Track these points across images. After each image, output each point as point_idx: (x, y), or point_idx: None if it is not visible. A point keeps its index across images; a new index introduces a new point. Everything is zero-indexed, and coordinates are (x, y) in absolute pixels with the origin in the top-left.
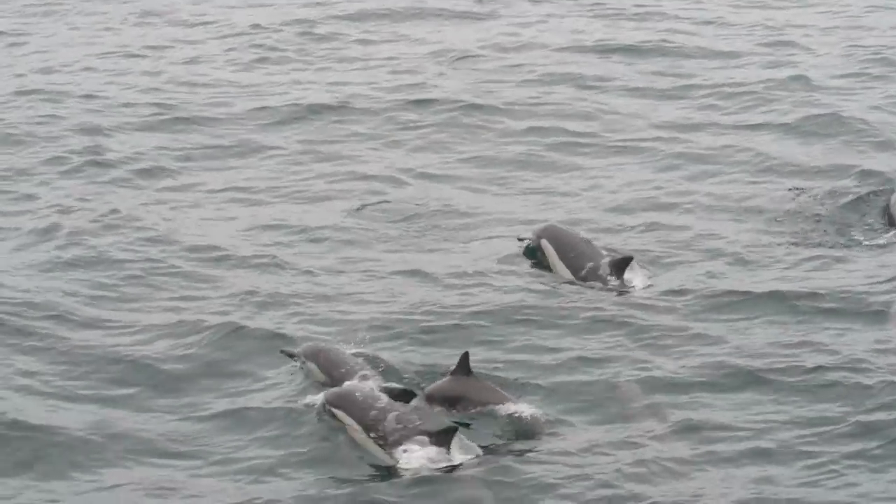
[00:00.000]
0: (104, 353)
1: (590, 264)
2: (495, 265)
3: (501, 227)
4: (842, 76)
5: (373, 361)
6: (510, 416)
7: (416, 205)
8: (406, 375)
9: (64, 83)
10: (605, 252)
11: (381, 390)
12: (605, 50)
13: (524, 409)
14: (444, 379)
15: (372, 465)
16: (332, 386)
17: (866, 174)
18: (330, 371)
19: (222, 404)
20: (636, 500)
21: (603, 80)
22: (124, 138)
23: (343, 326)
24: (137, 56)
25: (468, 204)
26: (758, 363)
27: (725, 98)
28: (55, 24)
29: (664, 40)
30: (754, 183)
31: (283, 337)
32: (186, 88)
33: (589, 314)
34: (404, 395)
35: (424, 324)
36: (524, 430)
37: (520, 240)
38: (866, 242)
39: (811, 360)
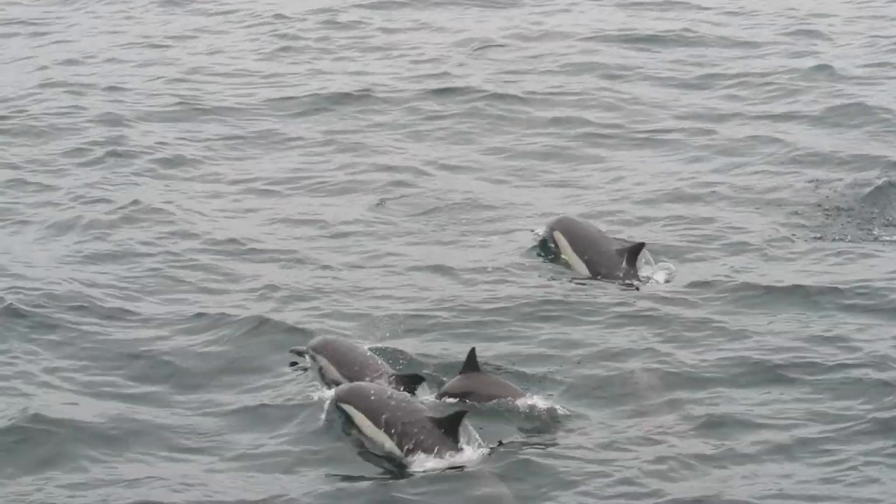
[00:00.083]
0: (124, 347)
1: (602, 253)
2: (516, 259)
3: (522, 221)
4: (865, 66)
5: (393, 356)
6: (523, 409)
7: (437, 198)
8: (426, 370)
9: (86, 74)
10: (617, 242)
11: (388, 378)
12: (628, 39)
13: (538, 402)
14: (454, 378)
15: (390, 463)
16: (342, 379)
17: (893, 165)
18: (339, 364)
19: (242, 400)
20: (656, 497)
21: (626, 69)
22: (146, 129)
23: (363, 321)
24: (159, 46)
25: (489, 196)
26: (779, 358)
27: (749, 88)
28: (77, 14)
29: (687, 29)
30: (778, 174)
31: (303, 332)
32: (208, 78)
33: (610, 308)
34: (411, 381)
35: (445, 319)
36: (540, 425)
37: (533, 232)
38: (888, 238)
39: (832, 356)
